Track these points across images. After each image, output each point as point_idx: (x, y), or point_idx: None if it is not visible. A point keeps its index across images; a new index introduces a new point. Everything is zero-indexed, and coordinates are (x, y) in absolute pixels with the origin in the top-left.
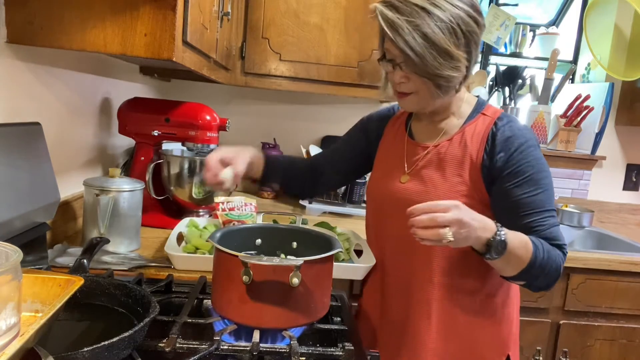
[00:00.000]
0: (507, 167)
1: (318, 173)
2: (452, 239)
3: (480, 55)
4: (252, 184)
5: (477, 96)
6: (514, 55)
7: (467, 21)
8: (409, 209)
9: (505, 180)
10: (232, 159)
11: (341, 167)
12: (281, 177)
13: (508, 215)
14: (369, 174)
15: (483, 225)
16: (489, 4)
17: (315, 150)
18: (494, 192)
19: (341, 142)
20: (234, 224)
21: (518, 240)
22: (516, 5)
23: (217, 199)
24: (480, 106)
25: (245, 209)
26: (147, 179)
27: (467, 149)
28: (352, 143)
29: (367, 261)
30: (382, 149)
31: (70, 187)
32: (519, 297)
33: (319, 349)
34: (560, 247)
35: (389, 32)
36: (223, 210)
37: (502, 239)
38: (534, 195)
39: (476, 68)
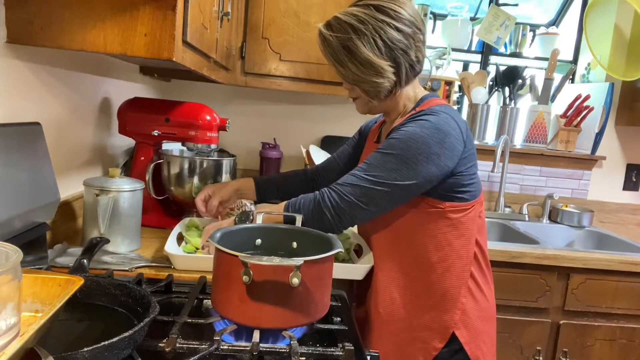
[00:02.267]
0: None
1: (317, 185)
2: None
3: (480, 56)
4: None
5: (434, 93)
6: (514, 55)
7: (389, 32)
8: None
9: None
10: (212, 194)
11: (334, 178)
12: (277, 194)
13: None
14: None
15: None
16: (489, 4)
17: (315, 150)
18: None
19: (335, 154)
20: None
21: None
22: (516, 5)
23: None
24: (419, 103)
25: (245, 209)
26: (147, 179)
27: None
28: (342, 153)
29: (367, 261)
30: (362, 155)
31: (70, 187)
32: (475, 280)
33: (319, 349)
34: (332, 186)
35: (321, 48)
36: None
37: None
38: (370, 156)
39: (476, 68)
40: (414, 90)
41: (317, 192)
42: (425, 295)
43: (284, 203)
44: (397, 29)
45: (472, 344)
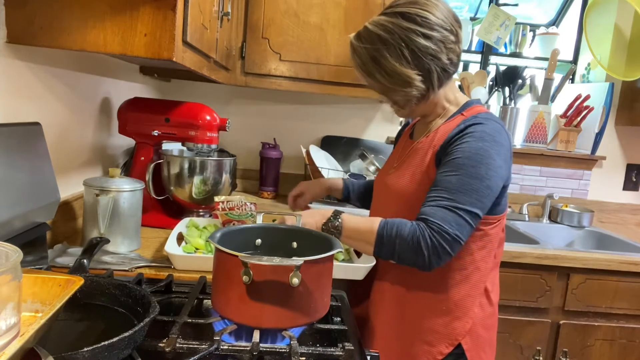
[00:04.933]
0: (447, 154)
1: None
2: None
3: (480, 56)
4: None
5: (477, 99)
6: (514, 55)
7: (416, 40)
8: None
9: (441, 165)
10: (305, 192)
11: None
12: (359, 199)
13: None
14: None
15: (322, 214)
16: (489, 4)
17: (315, 150)
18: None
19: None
20: (233, 223)
21: (362, 225)
22: (516, 5)
23: (217, 199)
24: (464, 107)
25: (245, 209)
26: (147, 179)
27: (434, 143)
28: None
29: (367, 261)
30: (392, 151)
31: (70, 187)
32: (487, 291)
33: (319, 349)
34: (427, 222)
35: (351, 58)
36: (223, 210)
37: (337, 223)
38: (445, 176)
39: (475, 68)
40: (453, 93)
41: (415, 225)
42: (439, 300)
43: (377, 219)
44: (425, 36)
45: (473, 351)
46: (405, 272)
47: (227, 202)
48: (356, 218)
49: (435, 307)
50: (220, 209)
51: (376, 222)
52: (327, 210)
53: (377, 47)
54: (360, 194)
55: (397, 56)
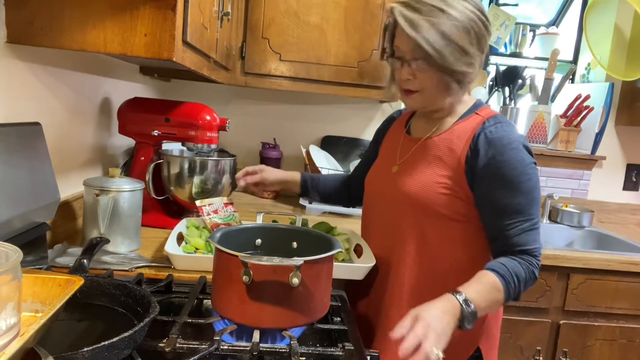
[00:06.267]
0: (489, 168)
1: (351, 187)
2: (440, 354)
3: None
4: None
5: (478, 99)
6: (514, 55)
7: (479, 24)
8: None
9: (486, 182)
10: (259, 172)
11: (364, 178)
12: (318, 195)
13: (487, 216)
14: None
15: (450, 314)
16: (489, 4)
17: (315, 150)
18: (476, 190)
19: (359, 163)
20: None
21: (486, 292)
22: (516, 5)
23: (200, 203)
24: (476, 107)
25: (226, 210)
26: (147, 179)
27: (453, 145)
28: (368, 154)
29: (367, 261)
30: (383, 146)
31: (70, 187)
32: None
33: (319, 349)
34: (529, 252)
35: (408, 30)
36: (208, 214)
37: (470, 310)
38: (510, 198)
39: None
40: (466, 95)
41: (523, 261)
42: None
43: (490, 275)
44: (484, 24)
45: (489, 352)
46: (416, 270)
47: (210, 204)
48: (476, 287)
49: None
50: (205, 213)
51: (492, 278)
52: (446, 303)
53: (440, 21)
54: (323, 189)
55: (465, 32)
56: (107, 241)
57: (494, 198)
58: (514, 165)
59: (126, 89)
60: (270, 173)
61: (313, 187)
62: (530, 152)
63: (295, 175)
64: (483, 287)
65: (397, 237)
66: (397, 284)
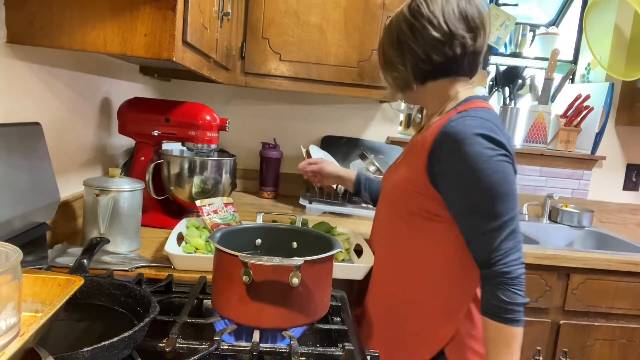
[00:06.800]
0: (446, 165)
1: None
2: None
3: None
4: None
5: (472, 95)
6: (514, 55)
7: (401, 27)
8: None
9: (445, 180)
10: (318, 163)
11: None
12: (370, 196)
13: (455, 216)
14: None
15: None
16: (489, 4)
17: (315, 150)
18: (440, 189)
19: None
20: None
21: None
22: (516, 5)
23: (199, 203)
24: (462, 102)
25: (226, 210)
26: (147, 179)
27: (425, 143)
28: None
29: (367, 261)
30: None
31: (70, 187)
32: (477, 300)
33: (319, 349)
34: (491, 264)
35: (388, 25)
36: (208, 214)
37: None
38: (468, 197)
39: None
40: (455, 90)
41: (495, 291)
42: (426, 304)
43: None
44: (409, 24)
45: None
46: (397, 275)
47: (209, 204)
48: (500, 354)
49: (421, 310)
50: (205, 213)
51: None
52: None
53: (388, 26)
54: (375, 191)
55: (390, 39)
56: (107, 241)
57: (454, 196)
58: (469, 160)
59: (126, 89)
60: (328, 165)
61: (366, 188)
62: (500, 145)
63: (351, 174)
64: (493, 345)
65: (375, 234)
66: (374, 281)
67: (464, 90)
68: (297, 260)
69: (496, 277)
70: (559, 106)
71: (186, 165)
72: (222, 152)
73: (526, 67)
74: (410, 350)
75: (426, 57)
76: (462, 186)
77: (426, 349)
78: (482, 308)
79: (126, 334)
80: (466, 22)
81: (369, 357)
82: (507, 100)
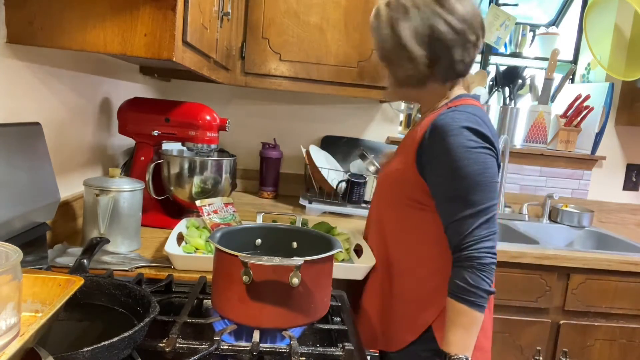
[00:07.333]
0: (431, 155)
1: None
2: None
3: (480, 56)
4: None
5: (462, 93)
6: (514, 55)
7: (437, 23)
8: None
9: (430, 168)
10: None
11: None
12: None
13: (436, 203)
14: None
15: None
16: (489, 4)
17: (315, 150)
18: (426, 178)
19: None
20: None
21: (457, 331)
22: (516, 5)
23: (200, 203)
24: (453, 100)
25: (226, 210)
26: (147, 179)
27: (416, 137)
28: None
29: (367, 261)
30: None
31: (70, 187)
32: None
33: (319, 349)
34: (462, 248)
35: (371, 20)
36: (208, 214)
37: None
38: (448, 185)
39: (475, 68)
40: (454, 92)
41: (462, 272)
42: (412, 289)
43: (452, 301)
44: (447, 23)
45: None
46: (387, 261)
47: (209, 204)
48: (456, 334)
49: (411, 294)
50: (205, 213)
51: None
52: None
53: (398, 17)
54: None
55: (414, 32)
56: (107, 241)
57: (436, 184)
58: (452, 150)
59: (126, 89)
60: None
61: None
62: (484, 138)
63: None
64: (458, 330)
65: (368, 227)
66: (379, 270)
67: (457, 88)
68: (297, 260)
69: (465, 260)
70: (559, 106)
71: (186, 165)
72: (222, 152)
73: (526, 67)
74: (400, 329)
75: (460, 58)
76: (443, 174)
77: (412, 330)
78: (448, 289)
79: (126, 334)
80: (481, 25)
81: (369, 357)
82: (507, 100)
